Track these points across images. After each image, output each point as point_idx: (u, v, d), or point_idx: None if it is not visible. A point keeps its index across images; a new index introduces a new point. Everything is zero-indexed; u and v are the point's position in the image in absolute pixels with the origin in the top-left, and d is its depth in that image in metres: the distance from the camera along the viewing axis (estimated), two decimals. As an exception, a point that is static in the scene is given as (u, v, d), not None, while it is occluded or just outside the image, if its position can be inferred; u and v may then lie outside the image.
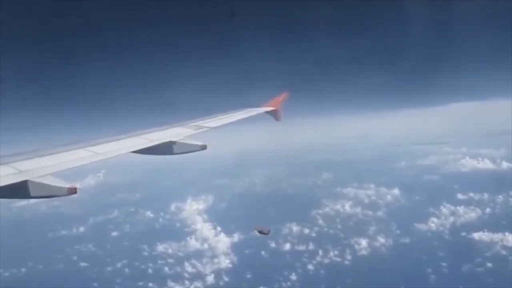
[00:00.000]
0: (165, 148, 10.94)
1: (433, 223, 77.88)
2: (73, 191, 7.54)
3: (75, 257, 76.17)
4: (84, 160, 9.04)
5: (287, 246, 74.11)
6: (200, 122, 13.85)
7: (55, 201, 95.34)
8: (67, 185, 7.54)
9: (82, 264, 73.96)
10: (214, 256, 74.59)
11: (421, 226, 77.10)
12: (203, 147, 10.88)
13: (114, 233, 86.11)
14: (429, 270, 63.09)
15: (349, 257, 69.61)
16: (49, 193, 7.60)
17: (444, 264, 64.03)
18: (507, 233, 70.65)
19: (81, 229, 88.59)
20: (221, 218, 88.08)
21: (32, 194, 7.61)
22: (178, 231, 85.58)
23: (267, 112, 18.48)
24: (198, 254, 75.69)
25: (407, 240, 72.93)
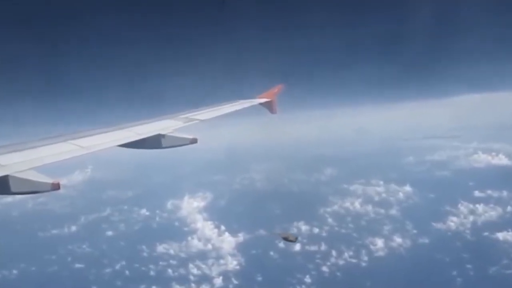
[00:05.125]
0: (153, 142, 10.97)
1: (452, 222, 78.24)
2: (56, 186, 7.52)
3: (69, 258, 75.88)
4: (68, 154, 9.03)
5: (297, 247, 73.87)
6: (190, 114, 13.89)
7: (42, 198, 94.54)
8: (50, 180, 7.52)
9: (78, 265, 73.75)
10: (220, 257, 74.74)
11: (440, 226, 77.45)
12: (194, 141, 10.91)
13: (109, 233, 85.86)
14: (454, 272, 63.37)
15: (365, 258, 69.99)
16: (32, 189, 7.58)
17: (469, 266, 64.21)
18: (533, 233, 71.40)
19: (73, 228, 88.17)
20: (222, 217, 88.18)
21: (13, 190, 7.60)
22: (178, 231, 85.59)
23: (261, 104, 18.72)
24: (202, 255, 75.87)
25: (426, 240, 73.20)
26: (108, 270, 72.13)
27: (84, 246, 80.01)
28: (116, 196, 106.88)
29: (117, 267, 72.70)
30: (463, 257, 66.81)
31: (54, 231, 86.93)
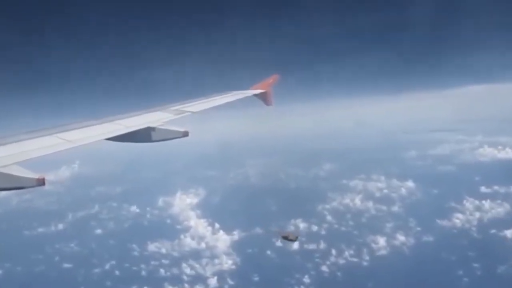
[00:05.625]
0: (143, 135, 10.87)
1: (457, 219, 78.66)
2: (41, 182, 7.43)
3: (57, 258, 76.13)
4: (54, 148, 8.86)
5: (296, 245, 73.68)
6: (181, 106, 13.76)
7: (27, 195, 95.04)
8: (35, 175, 7.45)
9: (66, 265, 73.93)
10: (214, 256, 75.12)
11: (444, 223, 77.87)
12: (185, 134, 10.79)
13: (98, 231, 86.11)
14: (460, 272, 63.75)
15: (367, 257, 70.30)
16: (16, 185, 7.49)
17: (476, 265, 64.54)
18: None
19: (60, 226, 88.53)
20: (216, 214, 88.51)
21: None
22: (170, 229, 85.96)
23: (256, 95, 18.63)
24: (196, 254, 76.17)
25: (431, 238, 73.58)
26: (97, 270, 72.25)
27: (72, 245, 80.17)
28: (104, 192, 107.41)
29: (107, 267, 72.85)
30: (470, 255, 66.98)
31: (41, 229, 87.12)
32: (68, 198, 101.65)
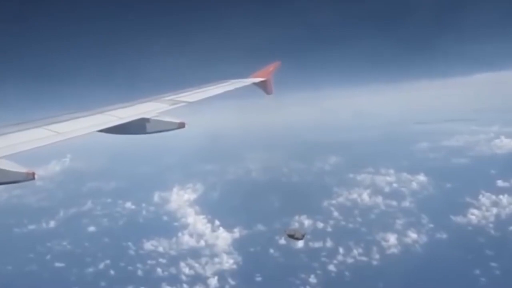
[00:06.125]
0: (137, 127, 10.93)
1: (473, 215, 78.09)
2: (31, 176, 7.48)
3: (48, 256, 76.31)
4: (43, 141, 8.84)
5: (300, 243, 73.63)
6: (177, 96, 13.84)
7: (16, 191, 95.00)
8: (24, 169, 7.50)
9: (58, 264, 74.14)
10: (214, 255, 75.15)
11: (459, 219, 77.41)
12: (181, 125, 10.85)
13: (91, 228, 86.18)
14: (477, 271, 63.26)
15: (376, 256, 70.13)
16: (3, 179, 7.50)
17: (494, 264, 64.00)
18: None
19: (52, 223, 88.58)
20: (216, 210, 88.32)
21: None
22: (167, 226, 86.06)
23: (255, 84, 18.58)
24: (195, 253, 76.22)
25: (444, 236, 73.25)
26: (91, 269, 72.42)
27: (64, 243, 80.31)
28: (97, 187, 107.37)
29: (101, 266, 73.05)
30: (487, 254, 66.45)
31: (31, 227, 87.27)
32: (60, 194, 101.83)
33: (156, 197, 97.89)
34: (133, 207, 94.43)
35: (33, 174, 7.50)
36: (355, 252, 71.14)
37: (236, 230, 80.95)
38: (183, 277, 70.30)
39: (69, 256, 76.05)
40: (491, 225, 75.43)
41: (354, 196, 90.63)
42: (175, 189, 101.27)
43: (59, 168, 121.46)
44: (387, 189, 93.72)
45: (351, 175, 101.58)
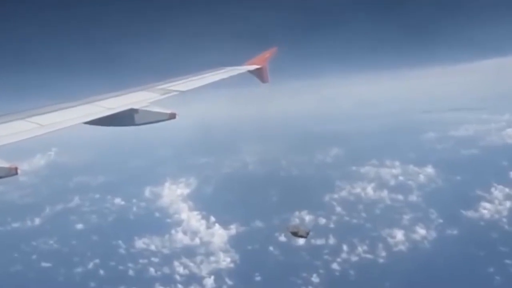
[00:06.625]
0: (126, 118, 10.95)
1: (485, 210, 77.77)
2: (14, 171, 7.56)
3: (34, 256, 76.15)
4: (27, 133, 8.82)
5: (301, 240, 73.64)
6: (168, 84, 13.89)
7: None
8: (6, 164, 7.57)
9: (44, 264, 74.01)
10: (210, 253, 75.10)
11: (470, 214, 77.15)
12: (172, 116, 10.84)
13: (79, 226, 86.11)
14: (491, 269, 62.90)
15: (383, 253, 70.04)
16: None
17: (509, 261, 63.78)
18: None
19: (37, 221, 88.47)
20: (211, 206, 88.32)
21: None
22: (159, 223, 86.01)
23: (250, 71, 18.64)
24: (189, 251, 76.20)
25: (455, 232, 73.07)
26: (79, 269, 72.31)
27: (51, 242, 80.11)
28: (85, 183, 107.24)
29: (90, 266, 72.97)
30: (501, 251, 66.10)
31: (15, 225, 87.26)
32: (45, 190, 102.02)
33: (147, 192, 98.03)
34: (123, 203, 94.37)
35: (16, 169, 7.57)
36: (359, 249, 71.04)
37: (232, 226, 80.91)
38: (177, 277, 70.26)
39: (56, 256, 75.91)
40: (504, 219, 75.11)
41: (358, 190, 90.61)
42: (167, 184, 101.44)
43: (44, 162, 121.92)
44: (392, 182, 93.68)
45: (354, 168, 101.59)
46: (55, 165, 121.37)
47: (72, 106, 10.80)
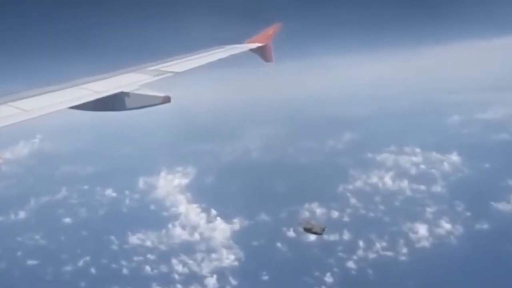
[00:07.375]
0: (115, 102, 11.03)
1: (518, 201, 77.18)
2: None
3: (19, 253, 76.26)
4: (9, 119, 8.85)
5: (312, 235, 73.50)
6: (162, 65, 13.92)
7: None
8: None
9: (30, 262, 73.95)
10: (211, 250, 74.81)
11: (501, 206, 76.11)
12: (166, 100, 10.86)
13: (67, 220, 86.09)
14: (529, 269, 62.33)
15: (404, 250, 69.41)
16: None
17: (549, 260, 63.08)
18: None
19: (21, 214, 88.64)
20: (211, 198, 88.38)
21: None
22: (155, 216, 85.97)
23: (252, 50, 18.59)
24: (188, 248, 75.92)
25: (485, 226, 72.13)
26: (68, 267, 72.22)
27: (37, 237, 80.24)
28: (73, 172, 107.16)
29: (80, 263, 72.82)
30: (539, 248, 65.66)
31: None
32: (29, 180, 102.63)
33: (141, 183, 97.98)
34: (114, 194, 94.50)
35: None
36: (378, 246, 70.55)
37: (236, 220, 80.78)
38: (176, 276, 70.00)
39: (43, 252, 75.88)
40: (542, 213, 74.49)
41: (375, 179, 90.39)
42: (162, 174, 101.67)
43: (28, 151, 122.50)
44: (413, 171, 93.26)
45: (369, 155, 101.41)
46: (40, 154, 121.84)
47: (58, 90, 10.91)
